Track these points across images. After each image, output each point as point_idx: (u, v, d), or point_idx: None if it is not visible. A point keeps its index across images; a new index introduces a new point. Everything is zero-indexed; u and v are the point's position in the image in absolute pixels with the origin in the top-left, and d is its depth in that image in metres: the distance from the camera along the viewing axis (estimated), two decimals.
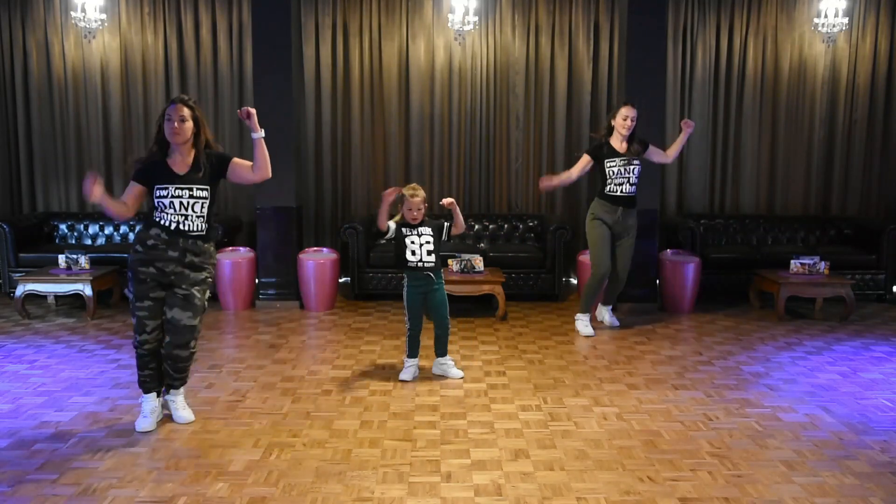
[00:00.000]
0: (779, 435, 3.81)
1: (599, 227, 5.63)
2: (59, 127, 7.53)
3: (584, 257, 6.61)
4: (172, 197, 3.67)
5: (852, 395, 4.43)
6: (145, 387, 3.88)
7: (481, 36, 7.48)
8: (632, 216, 5.69)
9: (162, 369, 3.87)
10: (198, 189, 3.70)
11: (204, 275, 3.79)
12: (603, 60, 7.50)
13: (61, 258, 6.31)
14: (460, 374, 4.74)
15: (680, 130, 5.84)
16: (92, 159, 7.54)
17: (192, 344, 3.81)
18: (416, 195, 4.51)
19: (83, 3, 7.02)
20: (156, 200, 3.71)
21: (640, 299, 6.63)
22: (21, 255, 6.82)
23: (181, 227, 3.68)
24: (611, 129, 5.64)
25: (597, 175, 5.73)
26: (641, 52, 6.48)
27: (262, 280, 6.75)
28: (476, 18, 7.26)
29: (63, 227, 7.36)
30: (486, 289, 6.21)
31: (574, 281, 7.47)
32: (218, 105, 7.49)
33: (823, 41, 7.47)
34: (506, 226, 7.44)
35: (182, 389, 3.98)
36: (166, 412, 3.98)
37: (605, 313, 6.04)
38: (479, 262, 6.35)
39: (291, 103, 6.59)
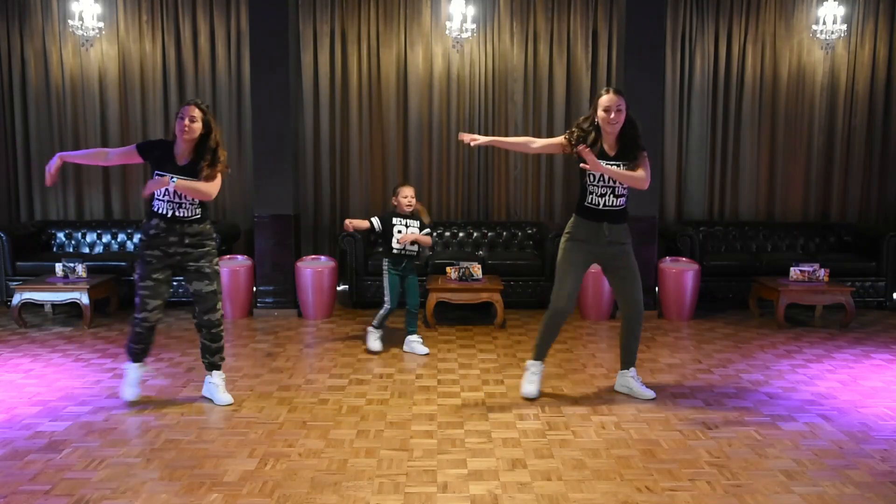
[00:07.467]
0: (778, 444, 3.78)
1: (571, 250, 4.32)
2: (57, 135, 7.51)
3: None
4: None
5: (852, 403, 4.40)
6: (135, 357, 4.32)
7: (479, 43, 7.48)
8: (623, 232, 4.34)
9: (149, 344, 4.33)
10: (192, 180, 4.08)
11: (207, 247, 4.22)
12: (601, 68, 7.49)
13: (58, 266, 6.28)
14: (426, 350, 5.36)
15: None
16: (90, 167, 7.52)
17: (218, 306, 4.26)
18: (407, 184, 5.50)
19: (81, 12, 7.01)
20: None
21: None
22: (18, 263, 6.79)
23: (176, 213, 4.11)
24: (596, 126, 4.24)
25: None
26: (640, 59, 6.48)
27: (260, 288, 6.73)
28: (474, 26, 7.26)
29: (60, 235, 7.34)
30: (484, 297, 6.19)
31: None
32: (215, 113, 7.47)
33: (822, 48, 7.47)
34: (504, 233, 7.42)
35: (222, 373, 4.41)
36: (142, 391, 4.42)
37: (628, 380, 4.49)
38: (477, 269, 6.33)
39: (289, 111, 6.58)
